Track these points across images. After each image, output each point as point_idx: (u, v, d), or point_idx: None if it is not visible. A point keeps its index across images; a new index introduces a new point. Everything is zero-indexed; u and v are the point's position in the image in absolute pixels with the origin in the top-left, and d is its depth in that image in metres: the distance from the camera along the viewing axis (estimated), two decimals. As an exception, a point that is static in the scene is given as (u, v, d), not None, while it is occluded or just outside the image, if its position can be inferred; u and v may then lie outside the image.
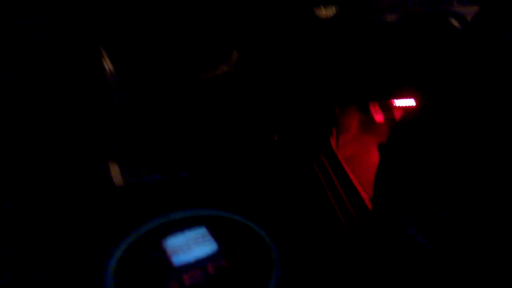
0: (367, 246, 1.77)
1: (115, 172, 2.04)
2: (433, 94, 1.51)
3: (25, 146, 1.74)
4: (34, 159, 1.80)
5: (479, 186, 1.26)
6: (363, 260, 1.75)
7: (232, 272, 1.86)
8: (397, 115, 2.66)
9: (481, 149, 1.27)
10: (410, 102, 2.34)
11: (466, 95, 1.38)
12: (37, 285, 1.65)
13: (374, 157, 2.52)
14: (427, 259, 1.36)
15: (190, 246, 2.08)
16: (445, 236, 1.36)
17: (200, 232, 2.20)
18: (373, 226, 1.74)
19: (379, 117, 2.70)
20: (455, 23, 1.86)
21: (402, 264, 1.49)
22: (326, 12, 2.02)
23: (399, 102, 2.46)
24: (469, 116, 1.34)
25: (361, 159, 2.49)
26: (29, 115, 1.72)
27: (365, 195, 2.00)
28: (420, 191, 1.43)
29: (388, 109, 2.71)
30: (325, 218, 2.05)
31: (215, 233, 2.16)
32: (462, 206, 1.30)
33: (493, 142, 1.26)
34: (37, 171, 1.81)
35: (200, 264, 1.94)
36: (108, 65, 1.87)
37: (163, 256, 1.98)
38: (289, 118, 2.24)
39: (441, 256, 1.36)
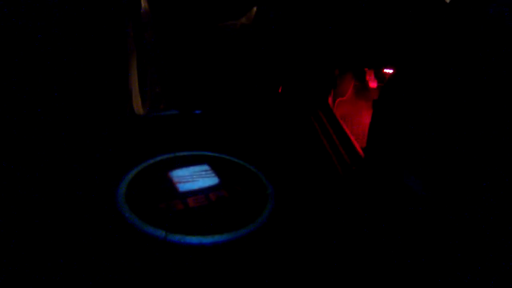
0: (357, 184, 2.00)
1: (137, 103, 2.23)
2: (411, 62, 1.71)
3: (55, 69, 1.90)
4: (60, 83, 1.96)
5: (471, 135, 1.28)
6: (352, 198, 1.98)
7: (231, 201, 2.09)
8: (389, 84, 2.91)
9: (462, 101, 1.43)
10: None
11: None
12: (57, 201, 1.83)
13: (364, 118, 2.77)
14: (419, 206, 1.51)
15: (194, 178, 2.30)
16: (440, 184, 1.39)
17: (203, 168, 2.42)
18: (364, 170, 1.97)
19: (373, 83, 2.96)
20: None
21: (391, 210, 1.69)
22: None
23: (389, 71, 2.72)
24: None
25: (353, 118, 2.74)
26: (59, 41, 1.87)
27: (357, 144, 2.25)
28: (414, 141, 1.58)
29: (381, 77, 2.98)
30: (319, 162, 2.28)
31: (217, 170, 2.38)
32: (456, 155, 1.32)
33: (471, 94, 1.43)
34: (61, 94, 1.98)
35: (202, 192, 2.16)
36: (144, 3, 2.03)
37: (170, 184, 2.19)
38: (295, 74, 2.46)
39: (434, 204, 1.40)
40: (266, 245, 1.80)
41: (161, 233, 1.85)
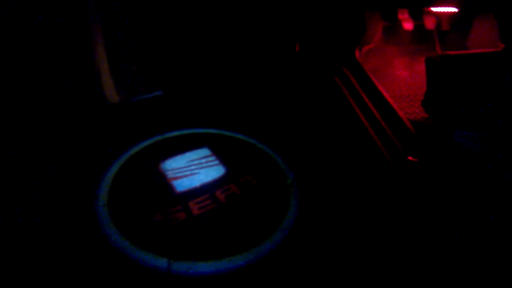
0: (414, 175, 1.56)
1: (109, 88, 1.63)
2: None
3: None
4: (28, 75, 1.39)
5: None
6: (402, 188, 1.55)
7: (244, 199, 1.62)
8: (428, 23, 2.31)
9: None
10: (451, 8, 1.99)
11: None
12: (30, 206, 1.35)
13: (398, 71, 2.22)
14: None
15: (193, 169, 1.79)
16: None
17: (203, 154, 1.91)
18: (421, 150, 1.52)
19: (408, 24, 2.34)
20: None
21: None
22: None
23: (437, 9, 2.10)
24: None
25: (384, 72, 2.19)
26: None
27: (400, 111, 1.74)
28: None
29: (418, 16, 2.35)
30: (352, 138, 1.79)
31: (221, 155, 1.87)
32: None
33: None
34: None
35: (207, 190, 1.68)
36: None
37: (164, 182, 1.70)
38: (314, 22, 1.83)
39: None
40: (292, 262, 1.41)
41: (162, 261, 1.43)
